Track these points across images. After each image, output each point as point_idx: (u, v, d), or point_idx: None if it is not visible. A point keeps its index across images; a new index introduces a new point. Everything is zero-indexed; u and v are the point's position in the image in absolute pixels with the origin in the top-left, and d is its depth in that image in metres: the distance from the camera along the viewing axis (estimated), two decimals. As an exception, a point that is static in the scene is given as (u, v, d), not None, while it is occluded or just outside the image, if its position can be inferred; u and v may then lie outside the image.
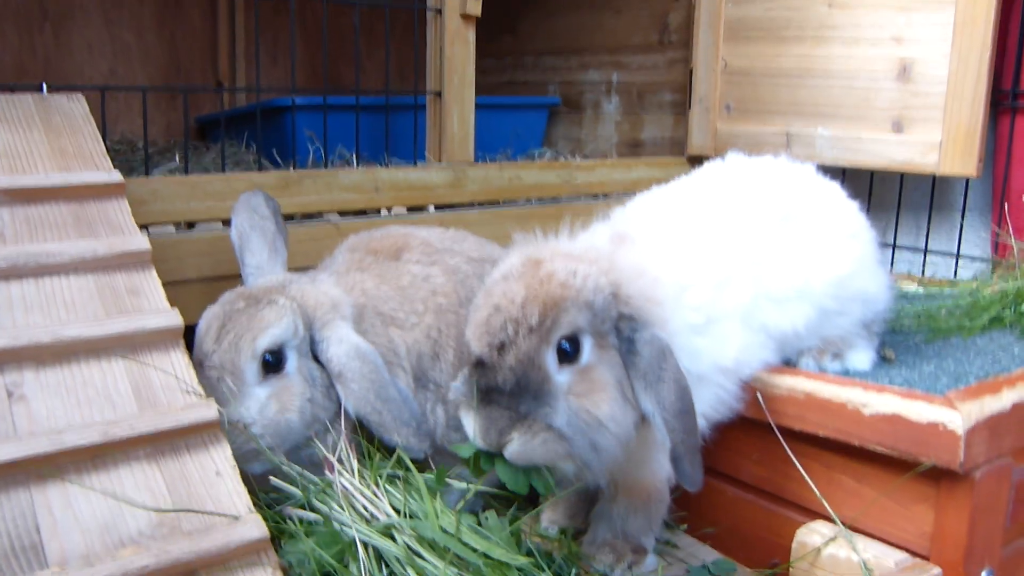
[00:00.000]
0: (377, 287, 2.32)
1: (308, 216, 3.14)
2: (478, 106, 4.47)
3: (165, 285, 2.42)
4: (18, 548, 1.50)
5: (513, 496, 1.96)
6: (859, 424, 1.99)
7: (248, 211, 2.39)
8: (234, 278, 2.45)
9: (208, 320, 2.11)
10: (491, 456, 1.87)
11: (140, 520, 1.59)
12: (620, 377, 1.89)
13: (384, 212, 3.26)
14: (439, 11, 3.37)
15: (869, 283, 2.36)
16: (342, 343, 2.12)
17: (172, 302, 2.18)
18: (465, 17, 3.39)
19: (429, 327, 2.30)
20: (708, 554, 2.32)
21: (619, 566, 2.17)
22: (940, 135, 3.40)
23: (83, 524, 1.56)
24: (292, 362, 2.10)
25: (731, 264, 2.16)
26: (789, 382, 2.13)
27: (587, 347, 1.87)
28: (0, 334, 1.79)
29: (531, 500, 2.52)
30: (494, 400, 1.81)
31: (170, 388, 1.84)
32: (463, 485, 2.16)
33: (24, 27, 4.65)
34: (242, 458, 1.99)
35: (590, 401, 1.84)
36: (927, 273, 3.82)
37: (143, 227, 2.80)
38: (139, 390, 1.82)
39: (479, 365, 1.84)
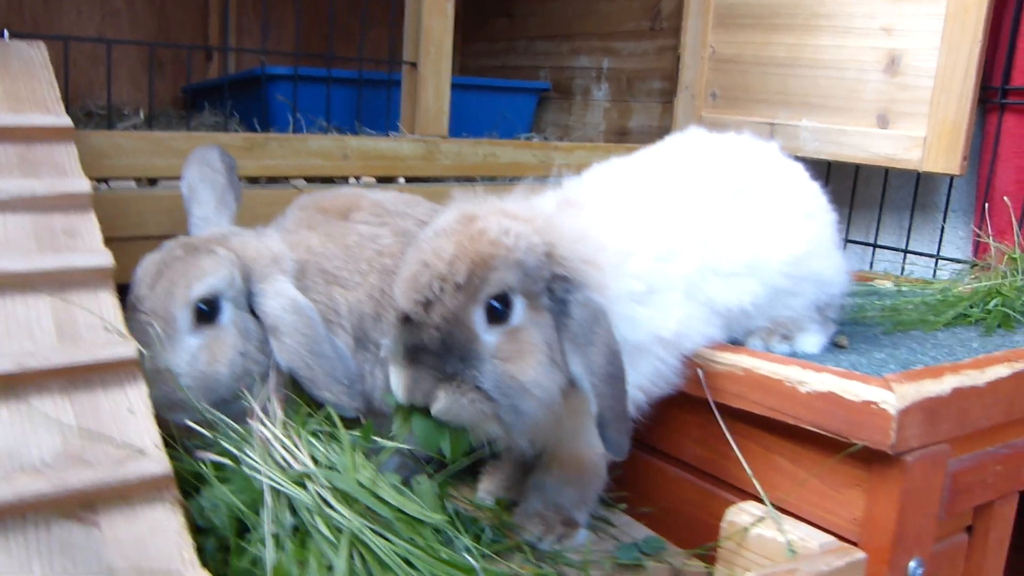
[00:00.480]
0: (323, 245, 2.31)
1: (274, 180, 3.13)
2: (465, 86, 4.48)
3: (125, 240, 2.43)
4: (-85, 469, 1.49)
5: (446, 463, 1.95)
6: (795, 402, 1.96)
7: (200, 164, 2.38)
8: (196, 237, 2.45)
9: (145, 266, 2.11)
10: (416, 411, 1.86)
11: (44, 450, 1.58)
12: (550, 340, 1.86)
13: (352, 181, 3.24)
14: (417, -19, 3.36)
15: (824, 265, 2.33)
16: (279, 296, 2.11)
17: (131, 258, 2.18)
18: (444, -12, 3.37)
19: (372, 287, 2.29)
20: (644, 533, 2.29)
21: (548, 537, 2.15)
22: (925, 130, 3.36)
23: (-15, 450, 1.55)
24: (227, 314, 2.09)
25: (678, 235, 2.13)
26: (730, 358, 2.11)
27: (518, 308, 1.84)
28: (-75, 263, 1.79)
29: (471, 471, 2.51)
30: (421, 359, 1.80)
31: (94, 327, 1.83)
32: (391, 444, 2.15)
33: (13, -12, 4.67)
34: (167, 407, 1.98)
35: (516, 366, 1.81)
36: (906, 274, 3.78)
37: (103, 180, 2.80)
38: (62, 327, 1.81)
39: (406, 322, 1.83)
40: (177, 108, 5.03)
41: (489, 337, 1.82)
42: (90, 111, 4.42)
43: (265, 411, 1.98)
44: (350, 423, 2.04)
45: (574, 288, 1.87)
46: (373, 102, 3.72)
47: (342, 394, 2.08)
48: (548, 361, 1.85)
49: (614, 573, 2.08)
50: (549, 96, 5.16)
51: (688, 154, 2.40)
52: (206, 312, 2.05)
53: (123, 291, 2.24)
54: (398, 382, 1.84)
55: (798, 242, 2.27)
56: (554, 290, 1.87)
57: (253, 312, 2.14)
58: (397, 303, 1.84)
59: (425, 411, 1.84)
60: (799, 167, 2.48)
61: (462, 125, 4.05)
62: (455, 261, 1.80)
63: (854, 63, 3.58)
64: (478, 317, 1.81)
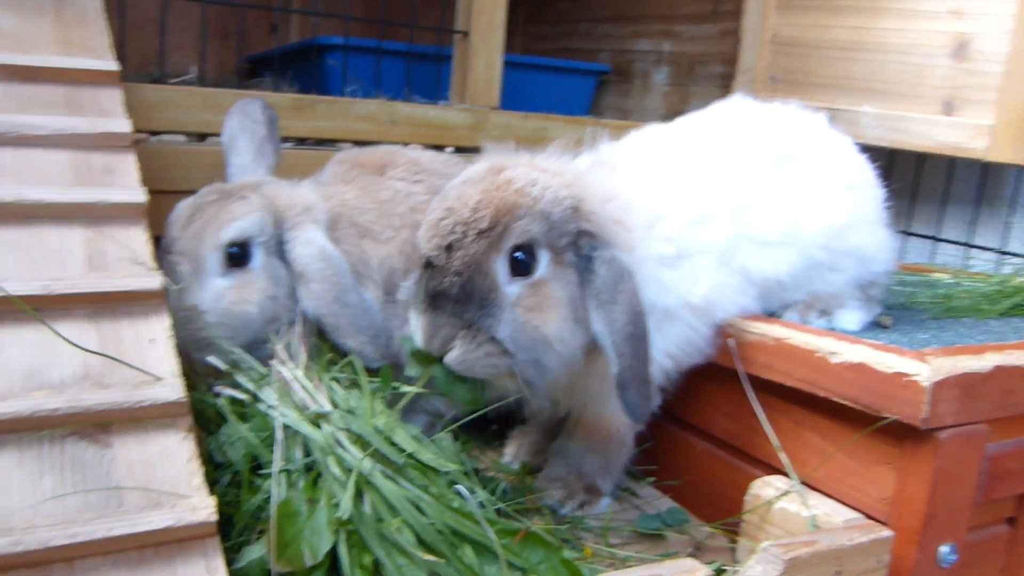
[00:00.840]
0: (357, 199, 2.32)
1: (321, 143, 3.15)
2: (523, 65, 4.46)
3: (170, 193, 2.46)
4: (-62, 381, 1.53)
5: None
6: (826, 373, 1.89)
7: (241, 115, 2.40)
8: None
9: (179, 210, 2.13)
10: (432, 358, 1.85)
11: (65, 372, 1.60)
12: (574, 296, 1.84)
13: (396, 146, 3.24)
14: (473, -51, 3.35)
15: (866, 239, 2.27)
16: (308, 244, 2.12)
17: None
18: (499, -43, 3.35)
19: (404, 242, 2.29)
20: (668, 506, 2.25)
21: (569, 503, 2.13)
22: (993, 118, 3.20)
23: (8, 368, 1.58)
24: (258, 259, 2.11)
25: (714, 199, 2.09)
26: (762, 328, 2.06)
27: (542, 261, 1.83)
28: (-36, 190, 1.83)
29: (498, 436, 2.50)
30: (440, 305, 1.79)
31: (123, 259, 1.85)
32: (411, 389, 2.15)
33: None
34: (193, 345, 2.00)
35: (538, 317, 1.80)
36: (968, 269, 3.64)
37: (153, 133, 2.85)
38: (92, 257, 1.84)
39: (428, 267, 1.82)
40: (240, 78, 5.10)
41: (511, 288, 1.80)
42: (155, 78, 4.50)
43: (289, 354, 1.99)
44: (372, 372, 2.05)
45: (600, 245, 1.84)
46: (424, 75, 3.72)
47: (366, 344, 2.08)
48: (570, 317, 1.83)
49: (633, 542, 2.05)
50: (609, 79, 5.11)
51: (730, 121, 2.35)
52: (237, 256, 2.07)
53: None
54: (417, 327, 1.83)
55: (838, 214, 2.20)
56: (580, 246, 1.85)
57: (284, 259, 2.15)
58: (420, 247, 1.83)
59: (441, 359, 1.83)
60: (846, 139, 2.41)
61: (520, 104, 4.03)
62: (479, 207, 1.79)
63: (920, 47, 3.44)
64: (500, 267, 1.80)
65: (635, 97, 5.01)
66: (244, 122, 2.37)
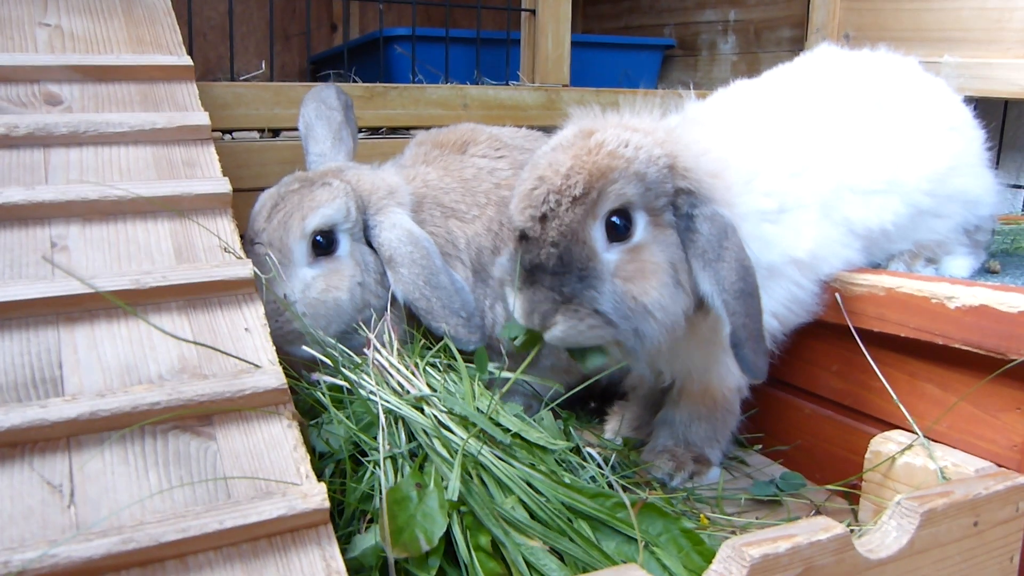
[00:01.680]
0: (440, 179, 2.26)
1: (394, 131, 3.11)
2: (589, 44, 4.38)
3: (248, 191, 2.43)
4: (38, 380, 1.50)
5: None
6: (944, 320, 1.77)
7: (316, 102, 2.36)
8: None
9: (263, 200, 2.10)
10: (536, 335, 1.77)
11: (162, 365, 1.56)
12: (675, 259, 1.75)
13: (474, 124, 3.19)
14: (536, -75, 3.28)
15: (970, 183, 2.14)
16: (395, 228, 2.07)
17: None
18: (562, -69, 3.27)
19: (491, 220, 2.22)
20: (780, 472, 2.15)
21: (679, 474, 2.04)
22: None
23: (105, 364, 1.54)
24: (344, 246, 2.06)
25: (812, 151, 1.99)
26: (870, 279, 1.94)
27: (640, 224, 1.74)
28: (50, 190, 1.81)
29: (598, 413, 2.42)
30: (538, 279, 1.70)
31: (212, 249, 1.82)
32: (509, 375, 2.08)
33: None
34: (283, 338, 1.96)
35: (638, 287, 1.71)
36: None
37: (227, 131, 2.83)
38: (180, 250, 1.80)
39: (523, 239, 1.74)
40: (304, 79, 5.10)
41: (609, 255, 1.71)
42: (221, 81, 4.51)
43: (382, 341, 1.94)
44: (466, 355, 1.98)
45: (700, 202, 1.75)
46: (492, 59, 3.66)
47: (459, 326, 2.02)
48: (672, 282, 1.73)
49: (750, 510, 1.95)
50: (674, 53, 5.00)
51: (821, 71, 2.24)
52: (323, 244, 2.03)
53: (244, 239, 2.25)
54: (515, 305, 1.76)
55: (942, 157, 2.08)
56: (678, 205, 1.76)
57: (371, 245, 2.10)
58: (513, 220, 1.75)
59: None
60: (941, 81, 2.28)
61: (587, 84, 3.95)
62: (571, 173, 1.70)
63: (1007, -14, 3.29)
64: (597, 233, 1.71)
65: (702, 69, 4.89)
66: (320, 109, 2.33)
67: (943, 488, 1.61)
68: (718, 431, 2.10)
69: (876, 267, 2.10)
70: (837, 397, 2.11)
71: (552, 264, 1.69)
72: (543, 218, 1.70)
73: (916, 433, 1.83)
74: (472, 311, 2.07)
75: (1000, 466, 1.75)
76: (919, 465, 1.76)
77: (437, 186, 2.24)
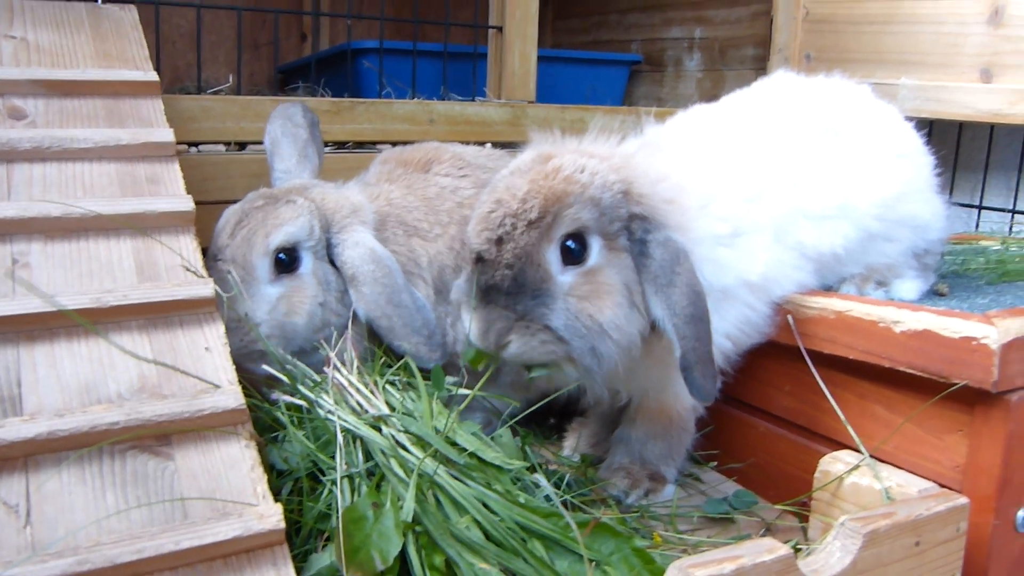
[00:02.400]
0: (404, 197, 2.29)
1: (361, 145, 3.13)
2: (556, 59, 4.42)
3: (213, 204, 2.44)
4: (-3, 399, 1.51)
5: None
6: (890, 343, 1.83)
7: (282, 119, 2.38)
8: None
9: (227, 216, 2.11)
10: (489, 354, 1.81)
11: (122, 384, 1.58)
12: (630, 282, 1.80)
13: (438, 142, 3.21)
14: (503, -57, 3.31)
15: (919, 208, 2.20)
16: (357, 246, 2.09)
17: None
18: (529, -50, 3.32)
19: (453, 239, 2.25)
20: (734, 490, 2.19)
21: (634, 492, 2.08)
22: (1032, 82, 3.16)
23: (64, 383, 1.56)
24: (307, 264, 2.08)
25: (766, 176, 2.04)
26: (821, 302, 1.99)
27: (595, 248, 1.78)
28: (12, 206, 1.81)
29: (557, 429, 2.46)
30: (492, 299, 1.75)
31: (174, 268, 1.83)
32: (465, 391, 2.11)
33: (117, -28, 4.79)
34: (246, 356, 1.98)
35: (593, 305, 1.75)
36: (1014, 234, 3.56)
37: (193, 145, 2.84)
38: (142, 267, 1.81)
39: (479, 261, 1.78)
40: (273, 88, 5.11)
41: (564, 278, 1.76)
42: (188, 91, 4.51)
43: (342, 360, 1.96)
44: (428, 375, 2.01)
45: (653, 228, 1.79)
46: (459, 74, 3.69)
47: (421, 344, 2.04)
48: (627, 303, 1.78)
49: (702, 527, 1.99)
50: (641, 69, 5.06)
51: (776, 96, 2.30)
52: (286, 262, 2.04)
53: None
54: (471, 325, 1.79)
55: (892, 184, 2.14)
56: (633, 230, 1.80)
57: (333, 263, 2.12)
58: (470, 242, 1.79)
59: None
60: (893, 108, 2.35)
61: (554, 98, 3.99)
62: (528, 197, 1.75)
63: (954, 16, 3.40)
64: (552, 256, 1.76)
65: (668, 85, 4.96)
66: (286, 126, 2.35)
67: (886, 509, 1.66)
68: (673, 449, 2.14)
69: (828, 289, 2.15)
70: (790, 416, 2.16)
71: (507, 285, 1.73)
72: (499, 240, 1.74)
73: (863, 453, 1.88)
74: (433, 329, 2.09)
75: (943, 486, 1.80)
76: (865, 485, 1.81)
77: (400, 204, 2.26)
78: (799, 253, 2.05)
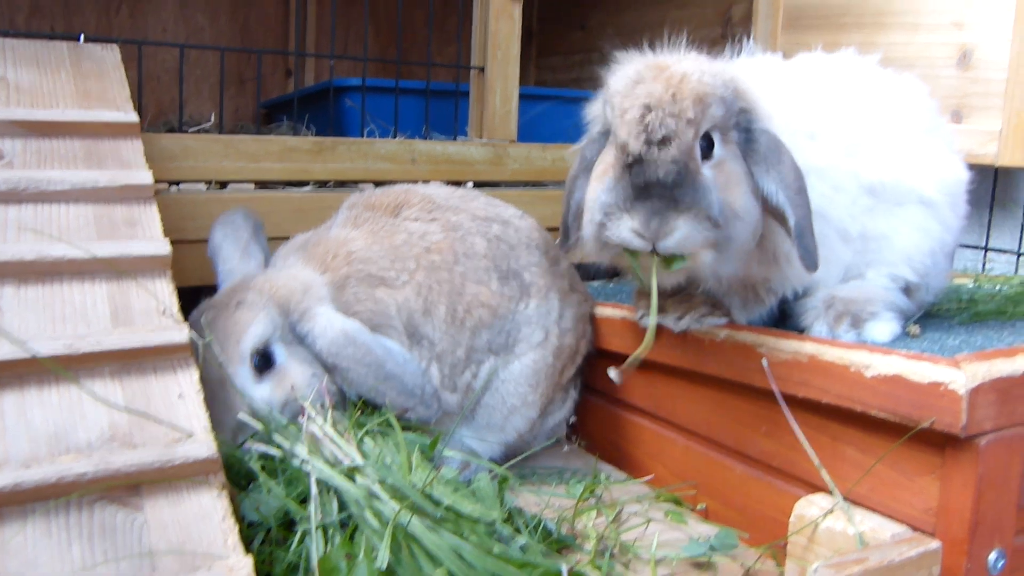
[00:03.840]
0: (367, 247, 2.25)
1: (342, 184, 3.13)
2: (538, 97, 4.45)
3: (194, 243, 2.43)
4: (-36, 447, 1.49)
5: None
6: (861, 387, 1.85)
7: (223, 225, 2.35)
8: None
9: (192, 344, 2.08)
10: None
11: (92, 433, 1.56)
12: (744, 170, 1.95)
13: (408, 185, 3.22)
14: (485, -14, 3.35)
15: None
16: (327, 332, 2.06)
17: (200, 260, 2.27)
18: (512, -7, 3.35)
19: (420, 284, 2.24)
20: (715, 531, 2.18)
21: (689, 315, 2.24)
22: (1000, 124, 3.26)
23: (33, 431, 1.54)
24: (281, 355, 2.05)
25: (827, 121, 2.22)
26: (794, 345, 2.01)
27: (717, 141, 1.92)
28: (-14, 250, 1.81)
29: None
30: (654, 194, 1.83)
31: (149, 313, 1.82)
32: (458, 456, 2.14)
33: (102, 8, 4.81)
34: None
35: (729, 193, 1.89)
36: (987, 271, 3.60)
37: (174, 183, 2.83)
38: (117, 312, 1.80)
39: (635, 164, 1.84)
40: (257, 124, 5.12)
41: (706, 171, 1.88)
42: (172, 127, 4.51)
43: (317, 409, 1.95)
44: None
45: (755, 118, 1.97)
46: (442, 112, 3.71)
47: (417, 405, 2.06)
48: (749, 189, 1.93)
49: (682, 572, 1.98)
50: (624, 106, 5.09)
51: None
52: (260, 365, 2.01)
53: (191, 293, 2.25)
54: (631, 220, 1.84)
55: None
56: (739, 122, 1.96)
57: (303, 343, 2.09)
58: (630, 147, 1.83)
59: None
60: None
61: (536, 136, 4.01)
62: (678, 99, 1.84)
63: (925, 59, 3.47)
64: (697, 152, 1.87)
65: (651, 123, 4.99)
66: (226, 231, 2.33)
67: (859, 555, 1.67)
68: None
69: (801, 330, 2.17)
70: (766, 458, 2.16)
71: (672, 179, 1.82)
72: (663, 140, 1.83)
73: (836, 497, 1.88)
74: (423, 384, 2.08)
75: (916, 529, 1.81)
76: (839, 529, 1.82)
77: (362, 258, 2.23)
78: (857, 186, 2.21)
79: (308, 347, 2.08)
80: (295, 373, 2.04)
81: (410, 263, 2.25)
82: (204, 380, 1.77)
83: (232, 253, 2.31)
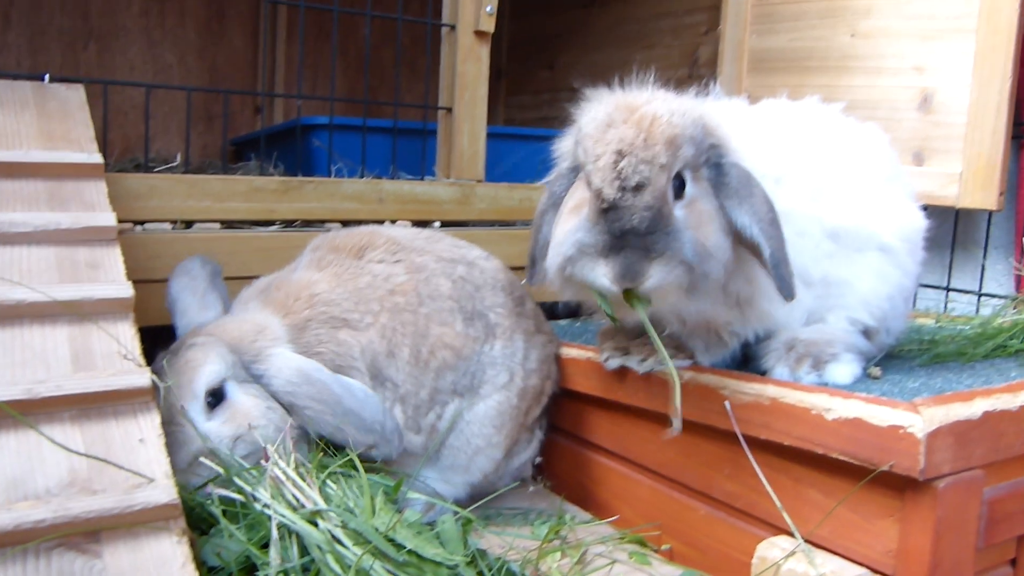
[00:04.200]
0: (331, 290, 2.26)
1: (309, 223, 3.13)
2: (507, 136, 4.48)
3: (160, 282, 2.41)
4: (-81, 495, 1.47)
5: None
6: (822, 430, 1.87)
7: (181, 276, 2.34)
8: (229, 279, 2.46)
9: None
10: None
11: (51, 479, 1.55)
12: (715, 206, 1.96)
13: (374, 227, 3.22)
14: (452, 27, 3.37)
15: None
16: (282, 371, 2.06)
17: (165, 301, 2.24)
18: (479, 34, 3.38)
19: (384, 326, 2.24)
20: (679, 573, 2.19)
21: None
22: (960, 166, 3.33)
23: (-9, 478, 1.53)
24: (233, 391, 2.04)
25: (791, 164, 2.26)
26: (756, 388, 2.03)
27: (689, 180, 1.93)
28: (-55, 293, 1.79)
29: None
30: (627, 243, 1.83)
31: (110, 356, 1.81)
32: (422, 497, 2.14)
33: (68, 45, 4.81)
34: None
35: (701, 232, 1.89)
36: (948, 311, 3.66)
37: (139, 223, 2.82)
38: (78, 356, 1.79)
39: (609, 210, 1.84)
40: (225, 160, 5.12)
41: (678, 211, 1.88)
42: (139, 163, 4.50)
43: (280, 453, 1.94)
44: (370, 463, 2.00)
45: (724, 152, 1.99)
46: (411, 150, 3.73)
47: (379, 441, 2.05)
48: (721, 226, 1.94)
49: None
50: (591, 145, 5.14)
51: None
52: (213, 403, 2.01)
53: (156, 332, 2.24)
54: (606, 269, 1.84)
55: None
56: (709, 158, 1.97)
57: (257, 382, 2.09)
58: (604, 195, 1.84)
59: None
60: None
61: (504, 174, 4.03)
62: (649, 144, 1.85)
63: (887, 102, 3.56)
64: (670, 195, 1.88)
65: (618, 161, 5.04)
66: (183, 281, 2.32)
67: (821, 599, 1.68)
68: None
69: (763, 373, 2.19)
70: (730, 500, 2.17)
71: (646, 226, 1.82)
72: (637, 187, 1.84)
73: (797, 539, 1.90)
74: (383, 420, 2.07)
75: (876, 572, 1.82)
76: (801, 571, 1.83)
77: (326, 300, 2.24)
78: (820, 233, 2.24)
79: (264, 386, 2.07)
80: (248, 406, 2.03)
81: (374, 305, 2.26)
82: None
83: (189, 305, 2.29)
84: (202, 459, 1.89)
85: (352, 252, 2.36)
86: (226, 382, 2.03)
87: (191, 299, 2.30)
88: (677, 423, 1.91)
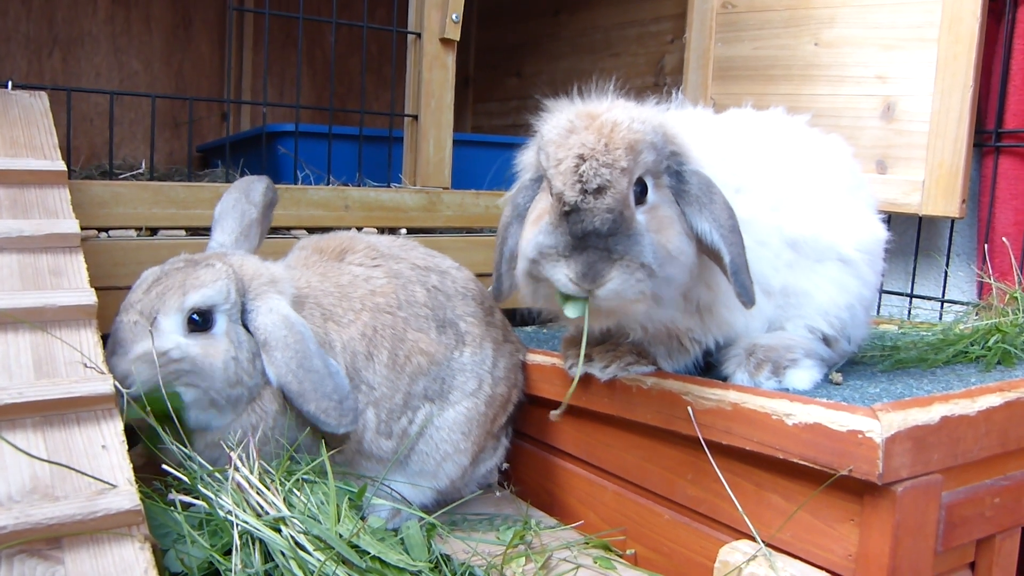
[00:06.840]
0: (321, 283, 2.30)
1: (275, 230, 3.13)
2: (473, 143, 4.50)
3: (124, 290, 2.40)
4: None
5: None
6: (783, 435, 1.90)
7: (239, 192, 2.40)
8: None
9: (145, 275, 2.10)
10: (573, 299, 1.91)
11: (13, 486, 1.54)
12: (676, 212, 1.99)
13: (354, 232, 3.23)
14: (418, 35, 3.39)
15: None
16: (271, 313, 2.10)
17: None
18: (444, 42, 3.40)
19: (365, 325, 2.26)
20: (643, 579, 2.22)
21: (615, 364, 2.28)
22: (923, 174, 3.38)
23: (-49, 485, 1.52)
24: (221, 325, 2.06)
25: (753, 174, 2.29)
26: (718, 394, 2.06)
27: (650, 186, 1.96)
28: (-95, 300, 1.78)
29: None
30: (590, 244, 1.84)
31: (73, 363, 1.81)
32: (389, 504, 2.15)
33: (33, 52, 4.77)
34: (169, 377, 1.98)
35: (663, 236, 1.92)
36: (912, 318, 3.71)
37: (103, 230, 2.81)
38: (40, 363, 1.79)
39: (571, 213, 1.86)
40: (191, 167, 5.09)
41: (640, 216, 1.91)
42: (105, 170, 4.47)
43: (243, 459, 1.94)
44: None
45: (685, 160, 2.02)
46: (377, 157, 3.74)
47: (331, 409, 2.05)
48: (683, 230, 1.97)
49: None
50: (558, 152, 5.17)
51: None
52: (200, 323, 2.02)
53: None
54: (567, 270, 1.85)
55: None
56: (669, 165, 2.00)
57: (247, 327, 2.11)
58: (565, 197, 1.85)
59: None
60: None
61: (472, 181, 4.05)
62: (611, 148, 1.88)
63: (851, 110, 3.61)
64: (632, 199, 1.90)
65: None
66: (239, 201, 2.37)
67: (781, 602, 1.70)
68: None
69: (724, 379, 2.22)
70: (693, 504, 2.20)
71: (607, 228, 1.84)
72: (598, 190, 1.85)
73: (758, 543, 1.92)
74: (345, 395, 2.09)
75: (835, 574, 1.85)
76: (762, 575, 1.85)
77: (318, 288, 2.28)
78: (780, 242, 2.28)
79: (249, 324, 2.10)
80: (221, 346, 2.04)
81: (356, 303, 2.29)
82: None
83: (233, 228, 2.35)
84: (164, 466, 1.89)
85: (334, 254, 2.41)
86: (218, 313, 2.06)
87: (236, 223, 2.36)
88: (559, 412, 2.08)
